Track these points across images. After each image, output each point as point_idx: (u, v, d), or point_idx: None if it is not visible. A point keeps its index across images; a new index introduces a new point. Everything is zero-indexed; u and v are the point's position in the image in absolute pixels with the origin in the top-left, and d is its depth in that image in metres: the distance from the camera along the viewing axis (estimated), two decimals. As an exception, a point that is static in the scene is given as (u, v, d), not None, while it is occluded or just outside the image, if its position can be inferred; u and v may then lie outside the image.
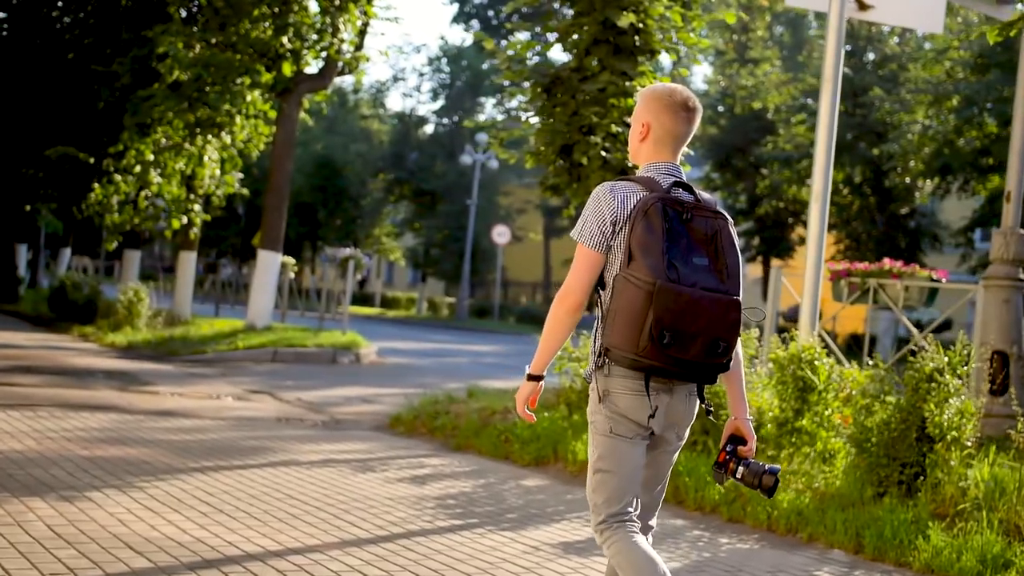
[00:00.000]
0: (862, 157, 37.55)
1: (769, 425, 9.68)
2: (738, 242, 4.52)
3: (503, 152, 14.08)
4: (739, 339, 4.40)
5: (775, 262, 47.20)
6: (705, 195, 4.52)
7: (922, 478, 8.37)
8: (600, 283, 4.44)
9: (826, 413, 9.42)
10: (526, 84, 13.84)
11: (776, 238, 45.36)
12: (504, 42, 63.20)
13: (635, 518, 4.49)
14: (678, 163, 4.57)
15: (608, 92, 12.65)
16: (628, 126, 12.68)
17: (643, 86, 12.83)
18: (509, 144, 14.49)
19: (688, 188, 4.47)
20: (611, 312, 4.32)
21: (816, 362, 9.44)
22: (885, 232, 38.78)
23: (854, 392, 9.27)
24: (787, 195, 43.20)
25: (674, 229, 4.29)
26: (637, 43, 12.85)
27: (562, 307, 4.45)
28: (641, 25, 12.70)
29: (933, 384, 8.33)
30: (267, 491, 8.62)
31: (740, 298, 4.34)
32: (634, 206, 4.35)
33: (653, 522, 4.72)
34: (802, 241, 45.35)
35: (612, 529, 4.45)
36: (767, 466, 4.49)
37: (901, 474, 8.41)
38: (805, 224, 45.51)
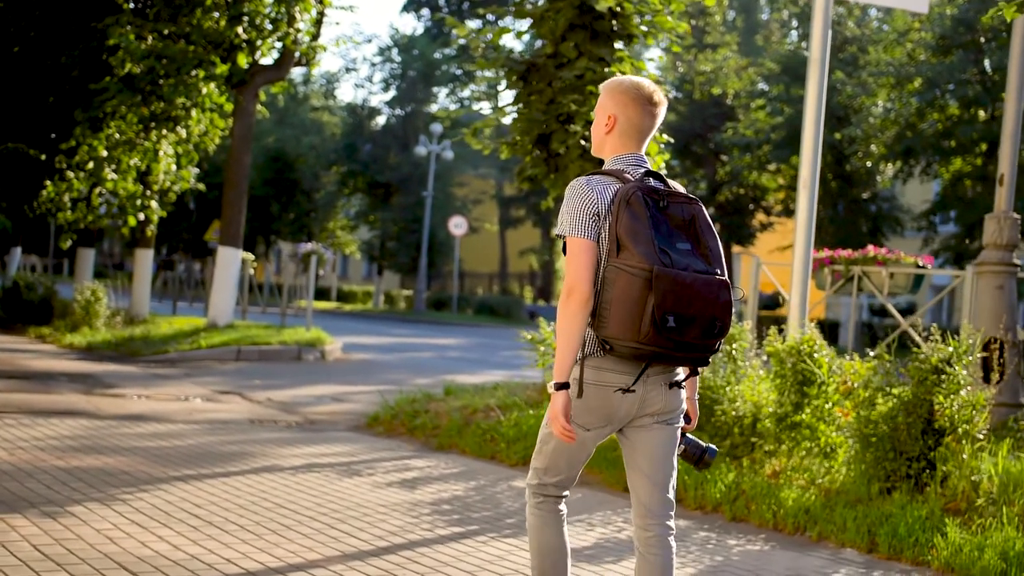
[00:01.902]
0: (823, 142, 37.44)
1: (766, 420, 9.44)
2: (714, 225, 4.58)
3: (477, 143, 13.72)
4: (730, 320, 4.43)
5: (736, 248, 47.17)
6: (675, 183, 4.59)
7: (928, 472, 8.13)
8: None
9: (826, 407, 9.17)
10: (485, 72, 13.53)
11: (737, 224, 45.23)
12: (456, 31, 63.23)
13: (564, 498, 4.76)
14: (643, 155, 4.62)
15: (586, 79, 12.36)
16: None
17: (623, 72, 12.68)
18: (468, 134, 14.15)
19: (659, 177, 4.53)
20: (604, 304, 4.31)
21: (816, 354, 9.19)
22: (846, 217, 38.74)
23: (855, 385, 9.00)
24: (747, 181, 43.08)
25: (655, 216, 4.32)
26: (615, 27, 12.55)
27: (572, 302, 4.36)
28: (619, 8, 12.42)
29: (943, 376, 8.08)
30: (255, 500, 8.31)
31: (727, 279, 4.40)
32: (612, 197, 4.39)
33: (671, 522, 4.61)
34: (763, 227, 45.35)
35: (542, 498, 4.73)
36: (707, 445, 4.74)
37: (908, 468, 8.17)
38: (766, 210, 45.84)
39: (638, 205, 4.30)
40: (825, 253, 13.80)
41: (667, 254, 4.25)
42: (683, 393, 4.61)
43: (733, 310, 4.44)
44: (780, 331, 9.98)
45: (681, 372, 4.56)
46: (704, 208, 4.51)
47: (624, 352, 4.31)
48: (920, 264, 13.49)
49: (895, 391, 8.30)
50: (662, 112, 4.64)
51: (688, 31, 13.81)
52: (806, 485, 8.69)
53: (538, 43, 15.07)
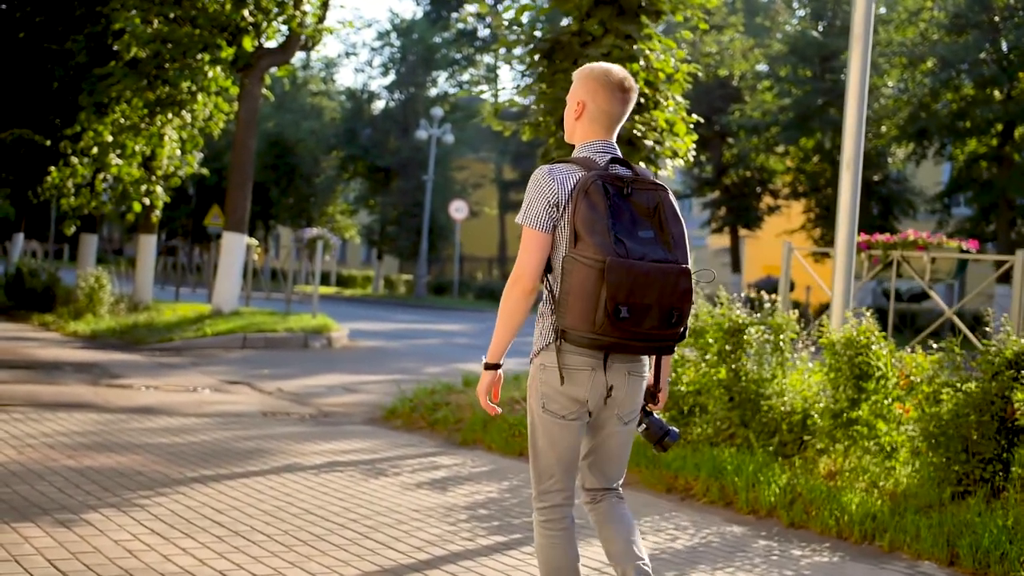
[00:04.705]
0: (832, 123, 36.92)
1: (817, 416, 8.92)
2: (680, 211, 4.54)
3: (498, 124, 13.21)
4: (692, 307, 4.47)
5: (742, 232, 46.63)
6: (643, 169, 4.56)
7: (1003, 475, 7.58)
8: (547, 267, 4.49)
9: (886, 403, 8.62)
10: (508, 51, 13.04)
11: (743, 208, 44.68)
12: (456, 15, 62.76)
13: (570, 503, 4.64)
14: (613, 142, 4.62)
15: (613, 56, 11.78)
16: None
17: (651, 50, 12.16)
18: (466, 116, 13.60)
19: (625, 163, 4.53)
20: (563, 294, 4.34)
21: (874, 346, 8.64)
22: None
23: (917, 379, 8.44)
24: (755, 163, 42.55)
25: (616, 205, 4.33)
26: (642, 3, 12.01)
27: (516, 291, 4.46)
28: (647, -17, 11.89)
29: (1022, 371, 7.51)
30: (280, 505, 7.79)
31: (689, 266, 4.39)
32: (574, 186, 4.39)
33: (617, 484, 4.81)
34: (770, 210, 44.81)
35: (547, 514, 4.62)
36: (669, 427, 4.70)
37: (982, 472, 7.59)
38: (773, 193, 45.30)
39: (596, 195, 4.30)
40: (862, 237, 13.17)
41: (623, 244, 4.25)
42: (643, 387, 4.64)
43: (694, 297, 4.51)
44: (802, 317, 9.47)
45: (645, 363, 4.61)
46: (671, 195, 4.51)
47: (583, 343, 4.33)
48: (963, 248, 12.89)
49: (967, 386, 7.72)
50: (633, 99, 4.63)
51: (716, 4, 13.23)
52: (867, 488, 8.15)
53: (532, 20, 14.55)
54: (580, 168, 4.45)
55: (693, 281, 4.42)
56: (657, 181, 4.48)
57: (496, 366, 4.60)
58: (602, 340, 4.28)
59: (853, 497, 7.79)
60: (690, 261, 4.44)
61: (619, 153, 4.59)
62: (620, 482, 4.82)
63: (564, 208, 4.38)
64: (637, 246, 4.27)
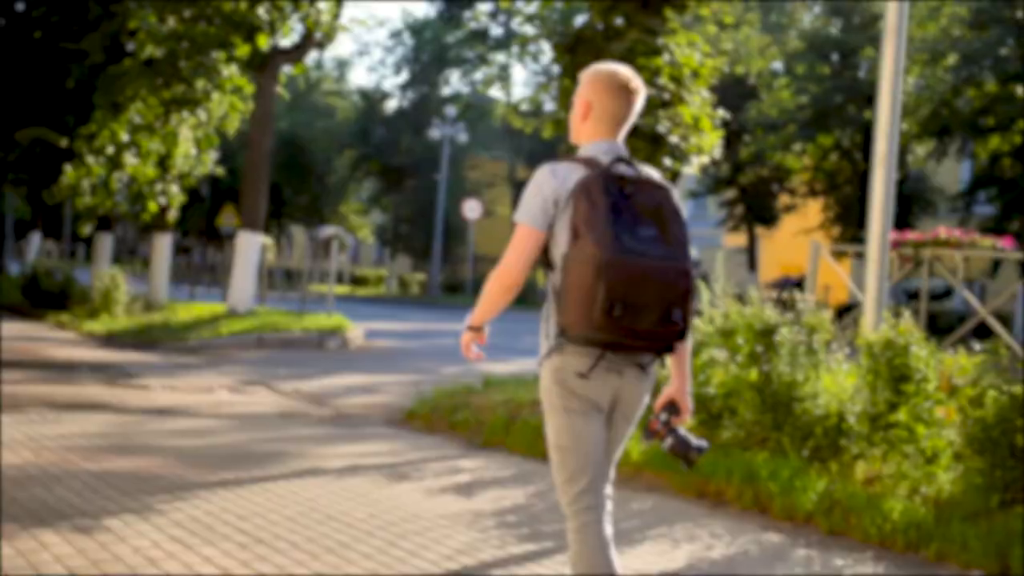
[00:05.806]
0: (851, 120, 36.62)
1: (853, 420, 8.66)
2: (683, 212, 4.48)
3: (518, 120, 13.02)
4: (693, 306, 4.37)
5: (760, 230, 46.35)
6: (647, 169, 4.56)
7: (1051, 481, 7.32)
8: (549, 264, 4.44)
9: (926, 406, 8.36)
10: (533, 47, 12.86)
11: (760, 206, 44.41)
12: (468, 14, 62.62)
13: (603, 504, 4.50)
14: (619, 142, 4.58)
15: (636, 51, 11.61)
16: (659, 88, 11.75)
17: (677, 44, 11.96)
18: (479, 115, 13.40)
19: (630, 163, 4.49)
20: (563, 291, 4.29)
21: (913, 348, 8.38)
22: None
23: (960, 382, 8.16)
24: (771, 162, 42.31)
25: (617, 203, 4.28)
26: (666, -4, 11.83)
27: (499, 283, 4.46)
28: (672, -24, 11.69)
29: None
30: (303, 511, 7.57)
31: (689, 266, 4.33)
32: (575, 184, 4.35)
33: (609, 490, 4.62)
34: (787, 209, 44.53)
35: (582, 519, 4.46)
36: (695, 442, 4.51)
37: (1032, 478, 7.34)
38: (791, 191, 45.02)
39: (597, 193, 4.26)
40: (892, 235, 12.88)
41: (622, 241, 4.19)
42: (648, 384, 4.55)
43: (695, 298, 4.41)
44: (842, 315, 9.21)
45: (651, 362, 4.52)
46: (674, 194, 4.47)
47: (580, 341, 4.28)
48: (997, 247, 12.59)
49: (1013, 389, 7.45)
50: (638, 100, 4.60)
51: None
52: (909, 494, 7.89)
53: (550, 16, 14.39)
54: (583, 166, 4.42)
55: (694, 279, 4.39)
56: (661, 181, 4.47)
57: (479, 328, 4.63)
58: (599, 338, 4.22)
59: (895, 504, 7.52)
60: (690, 261, 4.37)
61: (624, 153, 4.55)
62: (611, 480, 4.66)
63: (564, 206, 4.34)
64: (637, 244, 4.22)
